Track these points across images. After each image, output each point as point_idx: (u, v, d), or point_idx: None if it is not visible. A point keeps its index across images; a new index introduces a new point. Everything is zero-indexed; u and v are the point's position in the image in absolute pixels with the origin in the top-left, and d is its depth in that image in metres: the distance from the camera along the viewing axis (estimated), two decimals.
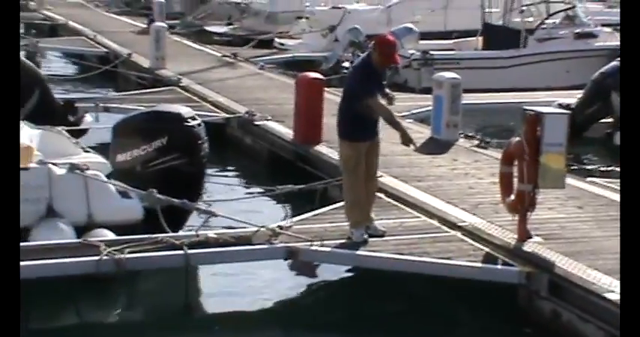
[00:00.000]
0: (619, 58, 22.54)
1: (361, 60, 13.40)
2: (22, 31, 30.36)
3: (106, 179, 13.47)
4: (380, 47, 12.69)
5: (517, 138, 12.77)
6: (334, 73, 24.02)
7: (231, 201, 16.31)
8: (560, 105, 18.40)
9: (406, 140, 12.72)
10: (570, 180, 13.15)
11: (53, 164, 13.26)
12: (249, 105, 21.87)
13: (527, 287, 11.73)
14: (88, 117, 19.22)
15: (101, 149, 15.72)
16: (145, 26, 33.17)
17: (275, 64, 29.22)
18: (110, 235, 12.65)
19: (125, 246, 11.99)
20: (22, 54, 18.38)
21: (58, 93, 19.55)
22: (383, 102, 12.68)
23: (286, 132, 19.40)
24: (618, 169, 16.34)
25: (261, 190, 17.56)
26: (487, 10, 31.93)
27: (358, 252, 12.45)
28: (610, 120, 20.78)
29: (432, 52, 27.84)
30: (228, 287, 13.05)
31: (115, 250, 11.80)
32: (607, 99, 20.84)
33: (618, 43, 27.93)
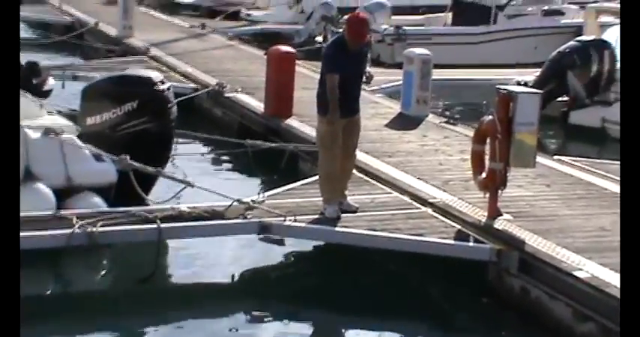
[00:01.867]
0: (578, 37, 22.91)
1: (336, 37, 13.56)
2: None
3: (80, 142, 13.46)
4: (350, 25, 12.78)
5: (489, 117, 12.87)
6: (305, 45, 23.94)
7: (203, 169, 16.50)
8: (519, 83, 18.48)
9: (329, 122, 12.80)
10: (538, 159, 13.26)
11: (28, 127, 13.26)
12: (219, 77, 21.98)
13: (498, 265, 11.87)
14: (51, 80, 19.19)
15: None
16: None
17: (244, 36, 29.14)
18: (97, 199, 12.91)
19: (97, 219, 12.01)
20: None
21: (23, 59, 19.47)
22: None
23: (257, 104, 19.46)
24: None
25: (232, 156, 17.77)
26: None
27: (331, 228, 12.54)
28: (565, 99, 20.90)
29: (405, 28, 27.89)
30: (199, 260, 13.13)
31: (87, 223, 11.81)
32: (563, 78, 20.95)
33: (583, 20, 28.29)
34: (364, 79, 13.04)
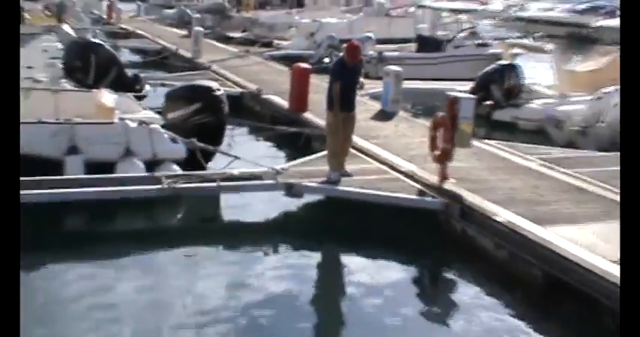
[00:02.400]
0: (498, 61, 22.90)
1: (338, 58, 13.58)
2: (105, 37, 30.67)
3: (162, 130, 13.51)
4: (347, 50, 12.90)
5: (441, 113, 12.87)
6: (317, 64, 23.87)
7: (246, 147, 16.51)
8: (461, 91, 18.55)
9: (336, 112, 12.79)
10: (473, 142, 13.30)
11: (129, 120, 13.41)
12: (258, 84, 21.88)
13: (445, 213, 11.89)
14: (147, 87, 19.24)
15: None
16: (186, 33, 33.22)
17: (275, 58, 29.19)
18: (176, 168, 12.93)
19: (178, 178, 12.12)
20: (108, 45, 18.36)
21: (130, 73, 19.52)
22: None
23: (283, 103, 19.40)
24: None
25: (267, 139, 17.75)
26: (419, 25, 32.76)
27: (334, 187, 12.58)
28: (490, 102, 20.91)
29: (384, 53, 28.09)
30: (244, 208, 13.10)
31: (171, 181, 11.92)
32: (488, 88, 21.05)
33: (501, 51, 28.39)
34: (358, 86, 13.06)
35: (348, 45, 13.22)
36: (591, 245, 10.04)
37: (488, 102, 21.06)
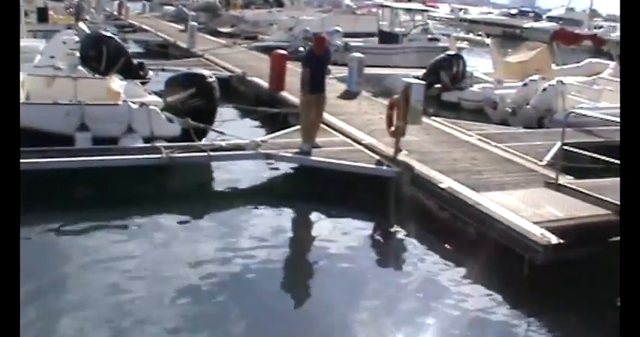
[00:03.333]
0: (445, 52, 22.91)
1: (308, 48, 13.54)
2: (114, 30, 30.26)
3: (159, 111, 13.39)
4: (315, 41, 12.99)
5: (396, 96, 12.85)
6: (294, 53, 23.71)
7: (233, 124, 16.42)
8: (415, 77, 18.48)
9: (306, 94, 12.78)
10: (423, 119, 13.30)
11: (132, 102, 13.28)
12: (243, 68, 21.75)
13: (398, 180, 11.87)
14: (150, 73, 19.03)
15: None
16: (183, 28, 32.91)
17: (257, 48, 29.01)
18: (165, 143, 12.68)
19: (175, 149, 12.03)
20: (118, 38, 18.11)
21: (135, 61, 19.32)
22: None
23: (264, 84, 19.27)
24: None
25: (249, 116, 17.54)
26: (380, 22, 32.65)
27: (306, 157, 12.54)
28: (439, 86, 20.91)
29: (350, 43, 28.00)
30: (231, 175, 12.99)
31: (169, 151, 11.85)
32: (438, 74, 21.13)
33: (448, 44, 28.44)
34: (327, 72, 13.00)
35: (315, 37, 13.23)
36: (516, 208, 10.12)
37: (438, 86, 21.14)
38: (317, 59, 12.69)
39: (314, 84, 12.61)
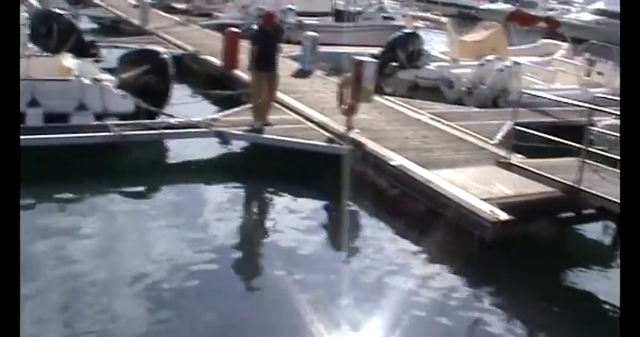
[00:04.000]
0: (402, 31, 22.94)
1: (258, 24, 13.52)
2: (66, 5, 29.59)
3: (112, 87, 13.25)
4: (264, 17, 13.12)
5: (349, 74, 12.90)
6: (247, 31, 23.56)
7: (187, 102, 16.36)
8: (371, 55, 18.53)
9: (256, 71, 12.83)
10: (375, 98, 13.39)
11: (84, 78, 13.12)
12: (196, 47, 21.45)
13: (349, 157, 11.94)
14: (103, 51, 18.80)
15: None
16: (136, 3, 32.22)
17: (211, 26, 28.64)
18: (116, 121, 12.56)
19: (125, 127, 11.94)
20: (69, 15, 17.87)
21: (88, 38, 19.02)
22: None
23: (217, 62, 19.10)
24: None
25: (202, 97, 17.35)
26: (336, 1, 32.45)
27: (258, 135, 12.60)
28: (396, 64, 20.99)
29: (304, 22, 27.90)
30: (184, 152, 12.90)
31: (119, 129, 11.76)
32: (394, 52, 21.12)
33: (404, 23, 28.49)
34: (278, 49, 12.98)
35: (264, 14, 13.24)
36: (466, 185, 10.28)
37: (394, 64, 21.20)
38: (267, 36, 12.69)
39: (264, 62, 12.61)
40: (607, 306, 8.82)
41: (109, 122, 12.19)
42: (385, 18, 30.68)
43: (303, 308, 7.85)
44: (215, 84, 17.33)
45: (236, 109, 13.87)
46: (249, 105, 13.33)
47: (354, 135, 12.55)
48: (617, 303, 8.78)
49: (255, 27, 13.62)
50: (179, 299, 7.88)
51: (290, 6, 29.20)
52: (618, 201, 8.99)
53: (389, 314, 7.96)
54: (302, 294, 8.14)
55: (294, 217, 10.56)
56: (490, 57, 19.05)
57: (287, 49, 16.79)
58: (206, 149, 13.00)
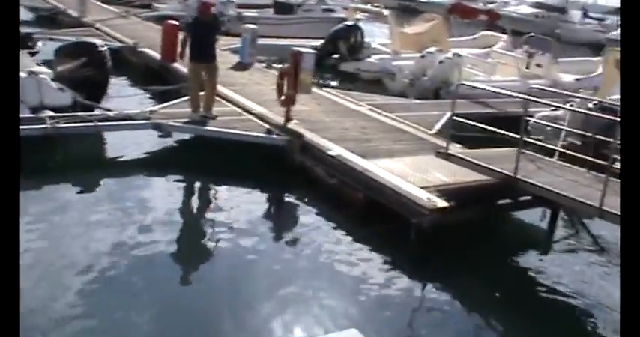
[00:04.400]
0: (344, 23, 23.05)
1: (194, 14, 13.45)
2: None
3: (50, 80, 13.04)
4: (200, 7, 13.00)
5: (287, 65, 12.92)
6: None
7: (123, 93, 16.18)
8: (312, 47, 18.58)
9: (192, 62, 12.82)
10: (313, 89, 13.46)
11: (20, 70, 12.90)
12: (135, 39, 21.10)
13: (289, 147, 12.04)
14: (39, 43, 18.47)
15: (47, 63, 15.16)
16: None
17: (151, 18, 28.32)
18: (51, 113, 12.36)
19: (60, 119, 11.76)
20: None
21: (23, 29, 18.65)
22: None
23: (156, 55, 18.83)
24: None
25: (141, 90, 17.16)
26: None
27: (197, 126, 12.55)
28: (337, 56, 21.08)
29: (244, 14, 27.84)
30: (123, 144, 12.76)
31: (55, 121, 11.59)
32: (336, 44, 21.33)
33: (345, 15, 28.61)
34: (215, 40, 12.95)
35: (201, 4, 13.15)
36: (404, 174, 10.41)
37: (335, 56, 21.30)
38: (204, 26, 12.63)
39: (198, 52, 12.55)
40: (544, 288, 9.09)
41: (43, 114, 11.98)
42: (325, 10, 30.75)
43: (243, 296, 7.89)
44: (154, 78, 17.23)
45: (174, 101, 13.77)
46: (188, 97, 13.24)
47: (292, 125, 12.60)
48: (552, 285, 9.17)
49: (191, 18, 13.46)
50: (118, 288, 7.83)
51: None
52: (553, 190, 9.31)
53: (329, 302, 8.04)
54: (243, 284, 8.19)
55: (234, 209, 10.54)
56: (431, 49, 19.28)
57: (226, 42, 16.69)
58: (145, 142, 12.87)
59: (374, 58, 21.09)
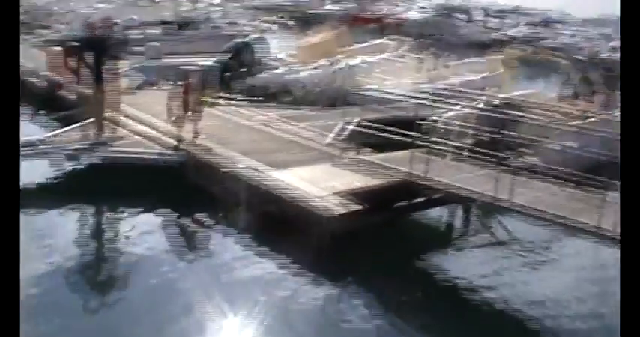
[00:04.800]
0: (234, 41, 23.18)
1: (83, 36, 13.36)
2: None
3: None
4: (87, 28, 13.40)
5: (180, 83, 12.97)
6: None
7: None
8: (217, 61, 18.64)
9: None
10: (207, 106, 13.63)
11: None
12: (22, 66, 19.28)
13: (182, 167, 12.10)
14: None
15: None
16: None
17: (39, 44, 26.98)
18: None
19: None
20: None
21: None
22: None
23: (44, 82, 17.86)
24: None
25: (29, 116, 16.31)
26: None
27: (92, 152, 12.32)
28: (229, 73, 21.16)
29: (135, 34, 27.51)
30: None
31: None
32: (238, 57, 21.48)
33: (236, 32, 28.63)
34: (104, 62, 12.76)
35: (88, 24, 13.12)
36: (302, 183, 10.68)
37: (228, 74, 21.38)
38: (91, 48, 12.50)
39: (91, 75, 12.43)
40: (450, 283, 9.49)
41: None
42: (214, 27, 30.73)
43: (147, 312, 8.11)
44: (43, 105, 16.77)
45: (68, 128, 13.40)
46: (82, 123, 13.05)
47: (185, 145, 12.60)
48: (468, 278, 9.62)
49: (77, 40, 13.17)
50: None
51: (134, 16, 28.80)
52: (453, 185, 9.88)
53: (241, 315, 8.22)
54: (151, 316, 8.18)
55: (136, 231, 10.61)
56: (327, 60, 19.66)
57: (124, 62, 16.15)
58: (39, 170, 12.34)
59: (266, 74, 21.08)
